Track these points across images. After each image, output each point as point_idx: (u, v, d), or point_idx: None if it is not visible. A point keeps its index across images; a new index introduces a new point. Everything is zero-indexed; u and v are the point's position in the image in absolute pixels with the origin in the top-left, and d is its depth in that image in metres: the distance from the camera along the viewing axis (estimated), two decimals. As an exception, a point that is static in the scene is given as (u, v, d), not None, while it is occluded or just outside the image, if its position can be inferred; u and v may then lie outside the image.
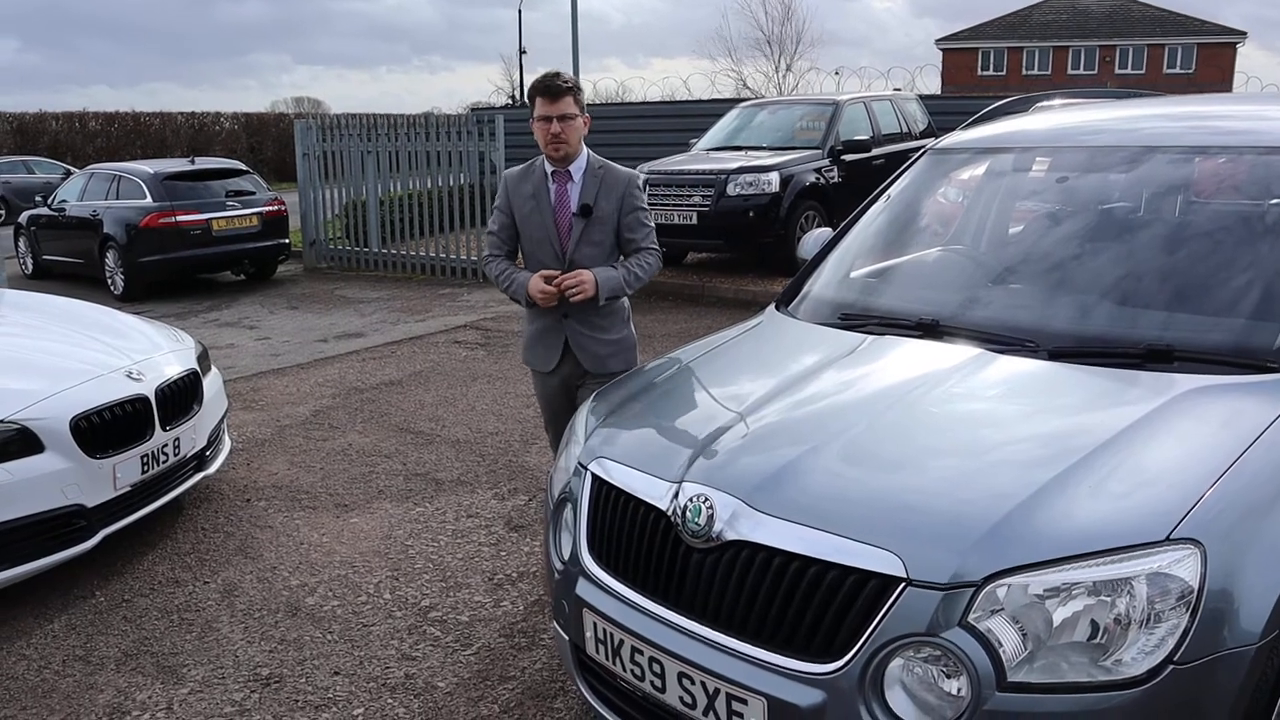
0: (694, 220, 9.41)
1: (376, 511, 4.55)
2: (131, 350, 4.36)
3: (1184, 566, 1.78)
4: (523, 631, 3.45)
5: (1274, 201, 2.67)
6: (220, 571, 3.99)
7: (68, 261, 11.70)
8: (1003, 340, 2.56)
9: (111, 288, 10.75)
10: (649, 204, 3.52)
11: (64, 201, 11.75)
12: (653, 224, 3.50)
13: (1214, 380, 2.26)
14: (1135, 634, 1.77)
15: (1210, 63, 40.42)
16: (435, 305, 9.71)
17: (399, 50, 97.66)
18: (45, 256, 12.15)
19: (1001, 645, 1.79)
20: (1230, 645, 1.77)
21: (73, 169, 19.61)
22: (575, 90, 3.31)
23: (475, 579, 3.85)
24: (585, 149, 3.41)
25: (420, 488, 4.84)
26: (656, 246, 3.48)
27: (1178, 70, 41.20)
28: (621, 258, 3.46)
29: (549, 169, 3.39)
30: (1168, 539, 1.80)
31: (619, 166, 3.44)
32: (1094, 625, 1.78)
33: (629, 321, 3.58)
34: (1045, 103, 4.43)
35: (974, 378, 2.43)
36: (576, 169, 3.38)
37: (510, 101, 32.22)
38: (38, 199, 12.76)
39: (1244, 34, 42.01)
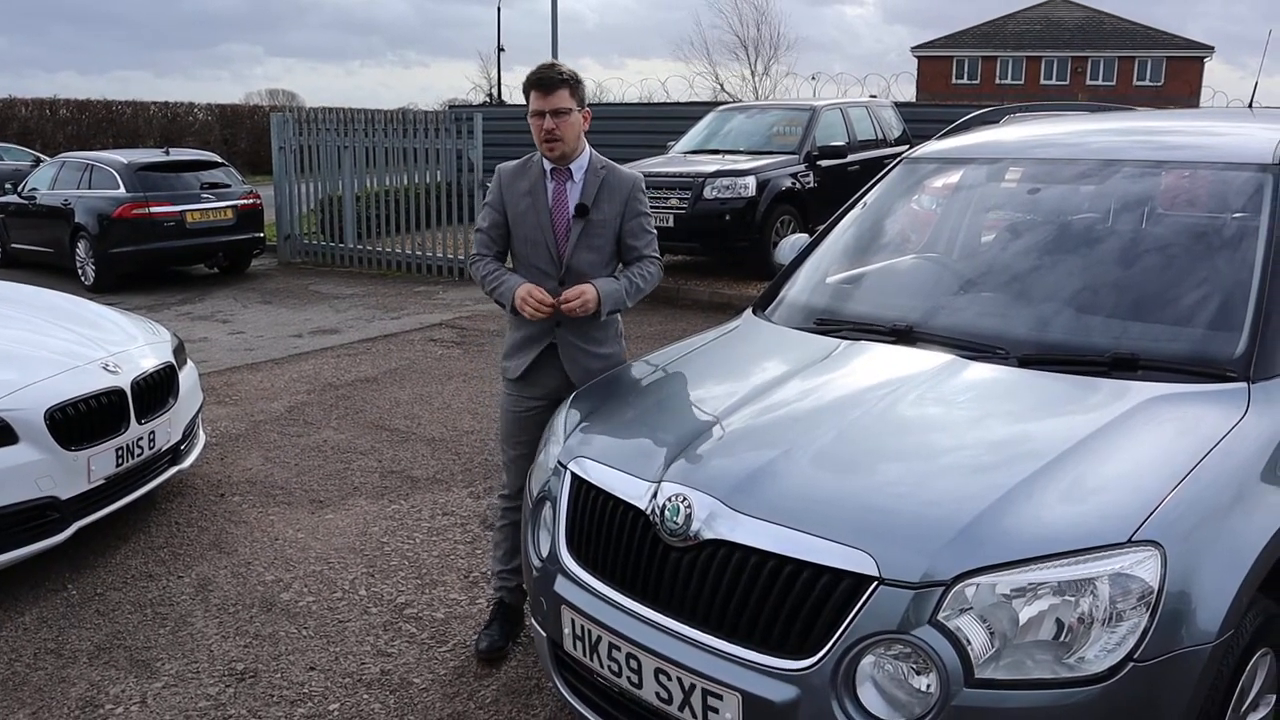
0: (670, 223, 9.45)
1: (352, 508, 4.56)
2: (107, 342, 4.35)
3: (1145, 568, 1.85)
4: (498, 628, 3.47)
5: (1236, 215, 2.76)
6: (194, 566, 3.98)
7: (37, 250, 11.56)
8: (974, 347, 2.63)
9: (82, 278, 10.64)
10: None
11: (34, 190, 11.61)
12: (655, 231, 3.25)
13: (1176, 388, 2.34)
14: (1098, 632, 1.83)
15: (1178, 76, 41.10)
16: (411, 303, 9.69)
17: (373, 44, 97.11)
18: (14, 245, 12.00)
19: (970, 643, 1.85)
20: (1188, 644, 1.85)
21: (43, 156, 19.33)
22: (572, 83, 3.04)
23: (451, 576, 3.88)
24: (587, 146, 3.15)
25: (396, 485, 4.85)
26: (658, 255, 3.24)
27: (1147, 82, 41.86)
28: (620, 265, 3.23)
29: (547, 166, 3.13)
30: (1129, 541, 1.87)
31: (623, 168, 3.19)
32: (1059, 624, 1.85)
33: (621, 338, 3.31)
34: (1019, 114, 4.53)
35: (946, 383, 2.50)
36: (577, 168, 3.12)
37: (488, 99, 32.13)
38: (7, 186, 12.59)
39: (1211, 48, 42.77)
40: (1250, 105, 4.11)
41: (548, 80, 3.01)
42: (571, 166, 3.12)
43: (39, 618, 3.58)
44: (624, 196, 3.14)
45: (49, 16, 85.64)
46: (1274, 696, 2.24)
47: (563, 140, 3.04)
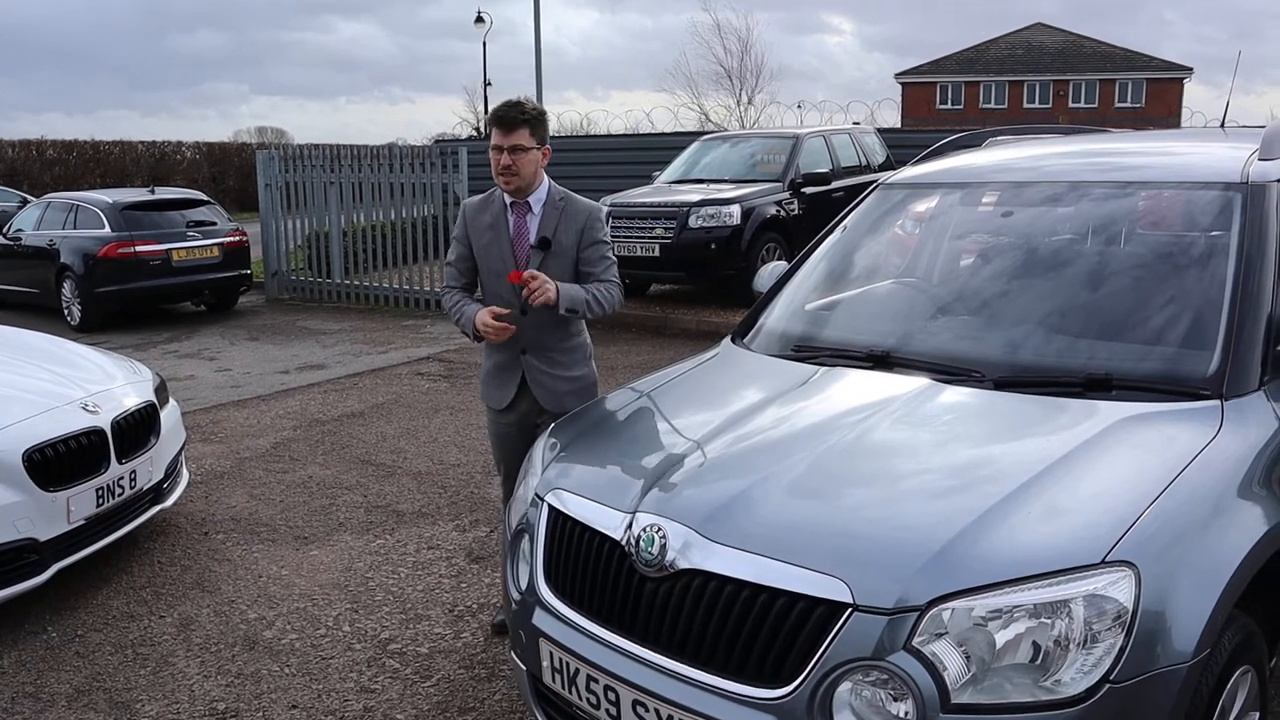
0: (656, 252, 9.51)
1: (336, 544, 4.53)
2: (87, 382, 4.33)
3: (1119, 588, 1.84)
4: (483, 663, 3.45)
5: (1206, 234, 2.78)
6: (177, 605, 3.95)
7: (22, 291, 11.54)
8: (950, 370, 2.64)
9: (68, 318, 10.62)
10: (612, 236, 3.47)
11: (20, 230, 11.61)
12: (614, 258, 3.38)
13: (1150, 408, 2.34)
14: (1074, 654, 1.83)
15: (1158, 98, 41.56)
16: (398, 337, 9.69)
17: (357, 81, 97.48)
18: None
19: (945, 668, 1.84)
20: (1164, 664, 1.84)
21: (29, 197, 19.33)
22: (533, 121, 3.18)
23: (436, 611, 3.85)
24: (546, 180, 3.30)
25: (381, 520, 4.82)
26: (617, 280, 3.37)
27: (1128, 104, 42.32)
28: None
29: (508, 200, 3.29)
30: (1103, 561, 1.86)
31: (581, 198, 3.34)
32: (1035, 647, 1.84)
33: (590, 360, 3.46)
34: (997, 138, 4.59)
35: (922, 407, 2.50)
36: (536, 200, 3.27)
37: (475, 133, 32.33)
38: (-8, 228, 12.59)
39: (1190, 70, 43.30)
40: (1222, 125, 4.16)
41: (509, 119, 3.16)
42: (530, 199, 3.28)
43: (17, 660, 3.53)
44: (581, 225, 3.28)
45: (32, 58, 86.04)
46: (1257, 714, 2.23)
47: (518, 175, 3.19)
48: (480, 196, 3.39)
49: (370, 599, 3.96)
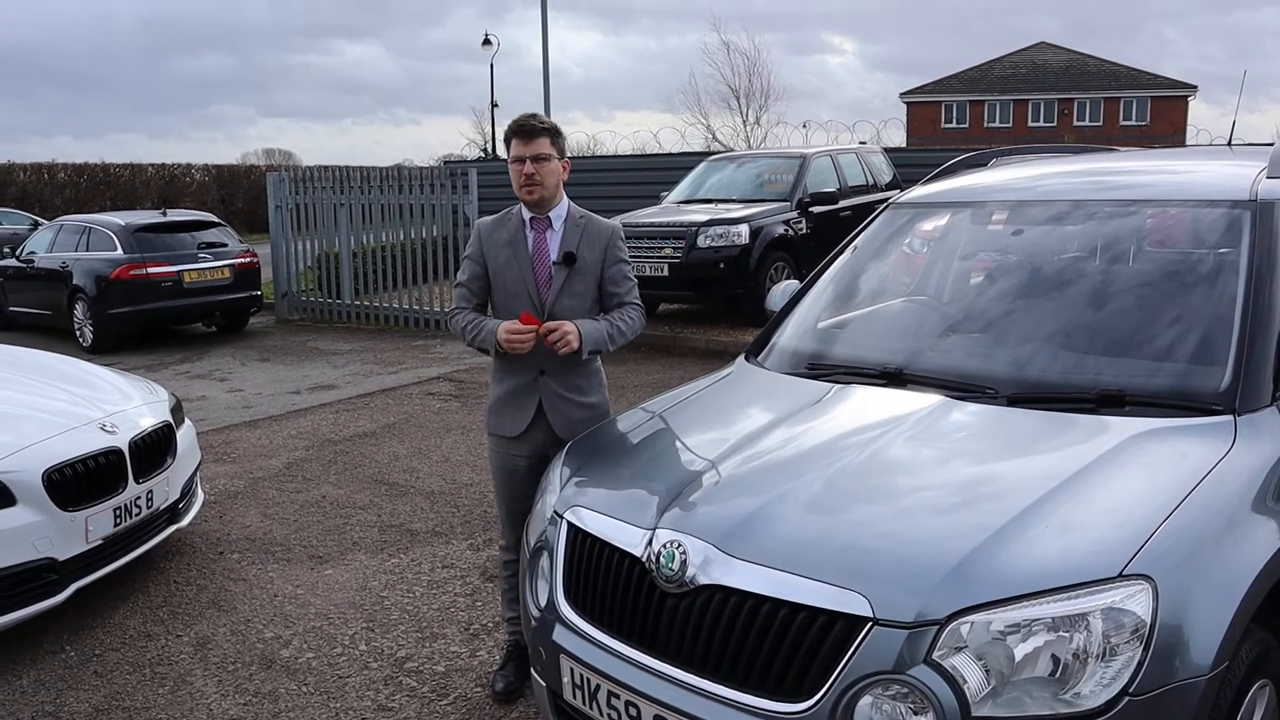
0: (665, 272, 9.55)
1: (351, 563, 4.55)
2: (104, 402, 4.37)
3: (1136, 601, 1.86)
4: (498, 680, 3.46)
5: (1216, 251, 2.81)
6: (193, 625, 3.97)
7: (35, 313, 11.63)
8: (964, 387, 2.66)
9: (80, 340, 10.69)
10: None
11: (32, 253, 11.71)
12: (635, 279, 3.30)
13: (1163, 423, 2.36)
14: (1093, 667, 1.84)
15: (1163, 115, 41.66)
16: (408, 357, 9.74)
17: (363, 103, 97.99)
18: (12, 308, 12.08)
19: (965, 681, 1.85)
20: (1182, 677, 1.85)
21: (41, 220, 19.52)
22: (552, 132, 3.14)
23: (451, 629, 3.86)
24: (565, 197, 3.22)
25: (395, 539, 4.84)
26: (639, 302, 3.28)
27: (1133, 122, 42.42)
28: (602, 313, 3.25)
29: (527, 216, 3.19)
30: (1120, 575, 1.88)
31: (601, 218, 3.27)
32: (1054, 660, 1.86)
33: (605, 388, 3.35)
34: (1006, 156, 4.63)
35: (936, 424, 2.52)
36: (556, 216, 3.18)
37: (483, 154, 32.51)
38: (5, 250, 12.70)
39: (1195, 87, 43.39)
40: (1229, 143, 4.19)
41: (529, 128, 3.11)
42: (550, 215, 3.19)
43: (37, 680, 3.56)
44: (604, 244, 3.21)
45: (41, 82, 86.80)
46: (1275, 729, 2.23)
47: (542, 185, 3.10)
48: (496, 215, 3.29)
49: (386, 618, 3.98)
